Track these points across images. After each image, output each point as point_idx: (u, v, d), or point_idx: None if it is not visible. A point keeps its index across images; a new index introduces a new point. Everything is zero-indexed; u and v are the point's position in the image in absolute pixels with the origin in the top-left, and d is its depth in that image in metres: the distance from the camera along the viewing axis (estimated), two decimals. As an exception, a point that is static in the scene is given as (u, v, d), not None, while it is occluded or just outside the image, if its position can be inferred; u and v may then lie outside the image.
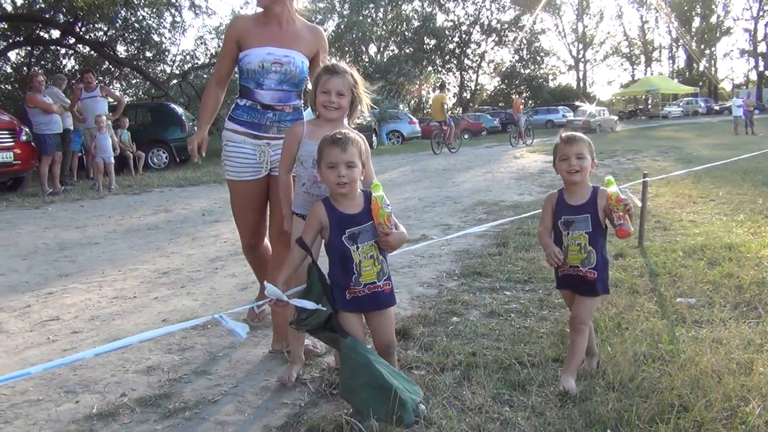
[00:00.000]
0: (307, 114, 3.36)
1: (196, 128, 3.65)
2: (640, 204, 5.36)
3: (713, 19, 62.17)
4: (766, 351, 2.98)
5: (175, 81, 23.03)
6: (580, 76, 64.63)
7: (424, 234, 6.50)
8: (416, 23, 48.93)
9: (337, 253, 2.51)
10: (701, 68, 64.80)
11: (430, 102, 20.25)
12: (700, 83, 62.58)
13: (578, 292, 2.84)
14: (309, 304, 2.44)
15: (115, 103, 12.51)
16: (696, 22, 62.62)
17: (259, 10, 3.30)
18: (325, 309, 2.46)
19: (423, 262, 5.30)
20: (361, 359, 2.44)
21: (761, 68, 60.76)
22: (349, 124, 2.99)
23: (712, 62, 66.60)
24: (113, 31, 21.39)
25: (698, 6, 61.19)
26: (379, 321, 2.62)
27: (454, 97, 54.82)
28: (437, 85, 23.33)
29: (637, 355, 3.00)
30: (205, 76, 24.03)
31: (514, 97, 24.24)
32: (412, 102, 50.42)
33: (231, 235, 7.01)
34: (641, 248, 5.28)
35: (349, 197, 2.52)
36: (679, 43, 65.39)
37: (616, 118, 38.74)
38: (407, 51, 47.30)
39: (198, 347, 3.58)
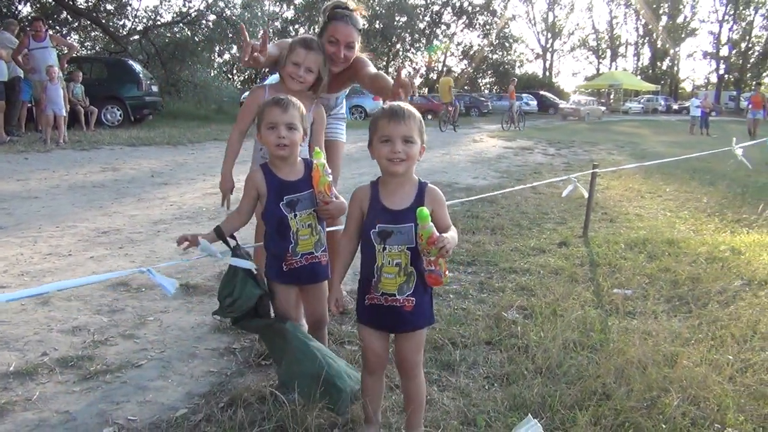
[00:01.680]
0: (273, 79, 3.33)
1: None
2: (587, 195, 5.43)
3: (680, 19, 63.11)
4: (692, 345, 3.04)
5: (135, 37, 22.33)
6: (547, 66, 65.13)
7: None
8: (388, -1, 48.44)
9: (273, 221, 2.41)
10: (664, 66, 65.99)
11: (438, 84, 22.17)
12: (662, 82, 63.72)
13: (392, 328, 2.16)
14: (245, 263, 2.35)
15: (66, 50, 11.95)
16: (663, 21, 63.50)
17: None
18: (252, 268, 2.37)
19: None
20: (303, 347, 2.39)
21: (722, 71, 62.07)
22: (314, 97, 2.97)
23: (676, 62, 67.82)
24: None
25: (666, 5, 62.02)
26: (314, 294, 2.54)
27: (420, 77, 54.61)
28: (445, 70, 24.96)
29: (567, 342, 3.03)
30: (168, 35, 23.39)
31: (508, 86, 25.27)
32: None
33: (178, 198, 6.86)
34: (585, 238, 5.34)
35: (289, 162, 2.43)
36: (645, 40, 66.38)
37: (603, 108, 40.29)
38: (377, 26, 46.86)
39: (129, 310, 3.49)
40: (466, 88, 52.71)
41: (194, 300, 3.69)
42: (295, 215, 2.39)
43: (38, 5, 21.14)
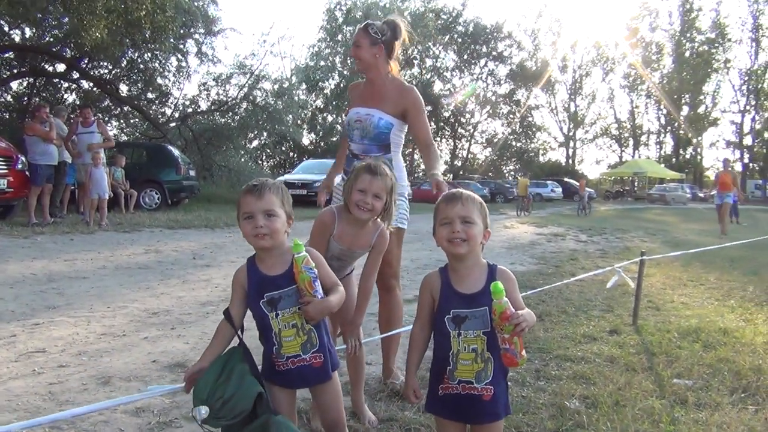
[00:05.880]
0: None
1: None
2: (633, 286, 5.42)
3: (701, 109, 63.88)
4: (768, 439, 2.95)
5: (174, 124, 23.16)
6: (570, 153, 65.89)
7: (417, 295, 6.47)
8: (414, 89, 49.93)
9: (257, 320, 2.25)
10: (688, 155, 66.35)
11: (518, 182, 28.76)
12: (686, 170, 63.90)
13: (470, 419, 2.13)
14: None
15: (104, 139, 12.27)
16: (684, 111, 64.26)
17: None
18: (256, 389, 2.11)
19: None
20: None
21: (746, 160, 62.18)
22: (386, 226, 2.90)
23: (699, 150, 68.15)
24: (118, 70, 21.67)
25: (687, 96, 62.98)
26: (320, 397, 2.38)
27: (445, 164, 55.93)
28: (521, 172, 33.35)
29: (638, 434, 2.96)
30: (202, 121, 24.23)
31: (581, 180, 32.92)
32: (404, 164, 50.91)
33: (222, 280, 6.93)
34: (635, 326, 5.27)
35: (273, 254, 2.25)
36: (667, 130, 67.09)
37: (688, 195, 42.31)
38: (403, 114, 48.12)
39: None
40: (490, 174, 53.40)
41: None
42: (277, 314, 2.19)
43: (83, 94, 22.17)
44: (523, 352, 2.00)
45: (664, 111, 64.74)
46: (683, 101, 63.90)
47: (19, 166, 10.71)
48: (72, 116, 15.42)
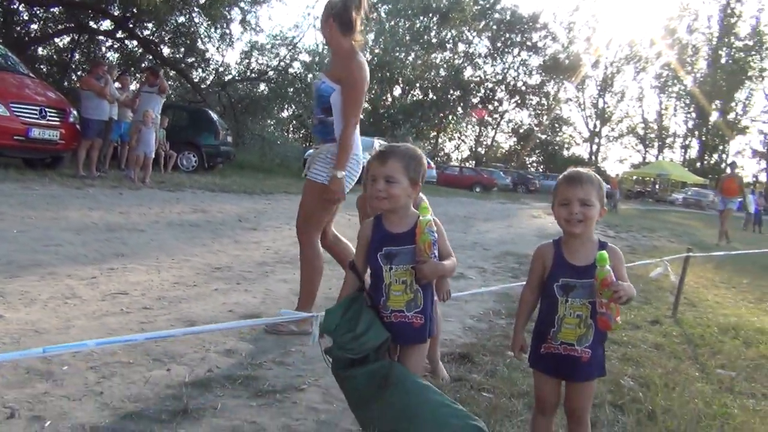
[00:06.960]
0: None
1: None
2: (674, 279, 5.61)
3: (731, 116, 63.07)
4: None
5: (213, 89, 23.30)
6: (593, 150, 65.45)
7: (462, 273, 6.71)
8: (444, 73, 49.82)
9: (372, 272, 2.42)
10: (713, 161, 65.73)
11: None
12: (710, 176, 63.36)
13: (567, 377, 2.34)
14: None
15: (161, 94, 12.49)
16: (714, 116, 63.49)
17: None
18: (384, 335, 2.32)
19: (467, 297, 5.49)
20: (420, 382, 2.33)
21: (771, 170, 61.56)
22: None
23: (724, 157, 67.39)
24: (162, 32, 21.85)
25: (719, 102, 62.17)
26: (409, 358, 2.43)
27: (469, 150, 55.98)
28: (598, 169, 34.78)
29: (693, 411, 3.18)
30: (240, 88, 24.44)
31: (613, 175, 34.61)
32: (428, 147, 51.04)
33: (272, 243, 7.21)
34: (674, 318, 5.48)
35: (398, 214, 2.40)
36: (694, 134, 66.42)
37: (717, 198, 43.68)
38: (431, 98, 48.12)
39: (270, 340, 3.75)
40: (513, 164, 53.36)
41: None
42: (391, 268, 2.35)
43: (125, 52, 22.43)
44: (618, 319, 2.19)
45: (693, 115, 64.10)
46: (714, 107, 63.15)
47: (71, 119, 11.00)
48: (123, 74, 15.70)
